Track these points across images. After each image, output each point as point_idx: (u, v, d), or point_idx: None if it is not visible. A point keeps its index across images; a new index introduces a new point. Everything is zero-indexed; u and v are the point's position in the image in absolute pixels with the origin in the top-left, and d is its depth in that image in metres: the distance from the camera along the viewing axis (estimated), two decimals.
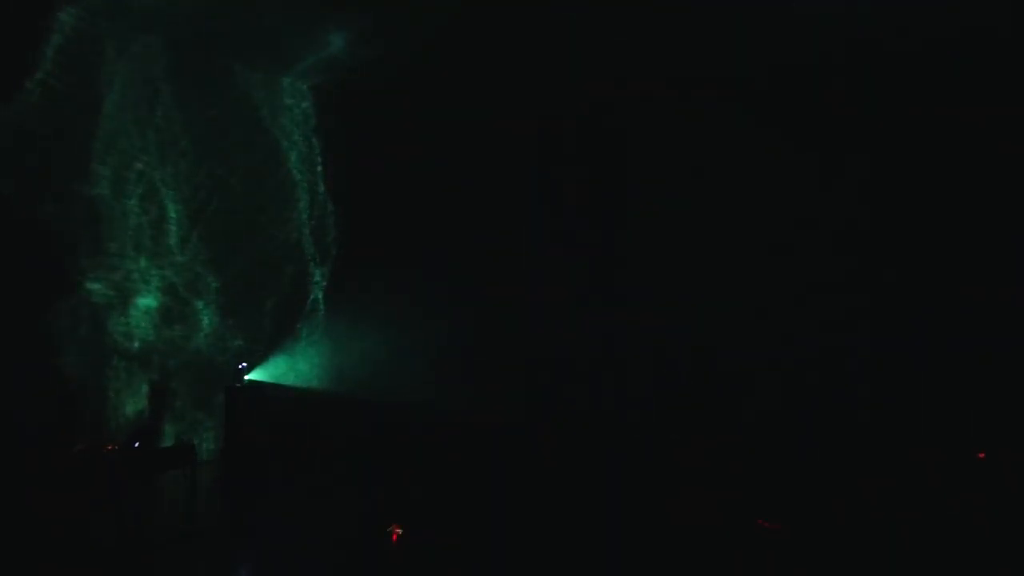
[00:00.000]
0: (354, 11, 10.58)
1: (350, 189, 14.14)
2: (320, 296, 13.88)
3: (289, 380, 12.93)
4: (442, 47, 11.73)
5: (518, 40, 11.50)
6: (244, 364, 12.05)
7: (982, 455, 8.44)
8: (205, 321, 12.25)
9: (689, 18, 10.43)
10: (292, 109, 13.50)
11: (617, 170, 14.40)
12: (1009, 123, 10.22)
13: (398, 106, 14.11)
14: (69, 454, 7.65)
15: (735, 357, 12.42)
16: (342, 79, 13.03)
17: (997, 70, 10.27)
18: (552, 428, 13.53)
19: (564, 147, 14.85)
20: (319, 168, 13.89)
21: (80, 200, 10.70)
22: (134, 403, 11.31)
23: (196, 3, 10.36)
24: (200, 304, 12.20)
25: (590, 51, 11.64)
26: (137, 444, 8.17)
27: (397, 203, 14.51)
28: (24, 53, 10.15)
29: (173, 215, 11.82)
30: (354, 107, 14.02)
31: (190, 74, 12.01)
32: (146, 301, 11.52)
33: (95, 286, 10.85)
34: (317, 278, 13.88)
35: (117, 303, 11.14)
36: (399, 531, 8.00)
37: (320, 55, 12.17)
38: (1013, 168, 10.21)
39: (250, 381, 12.09)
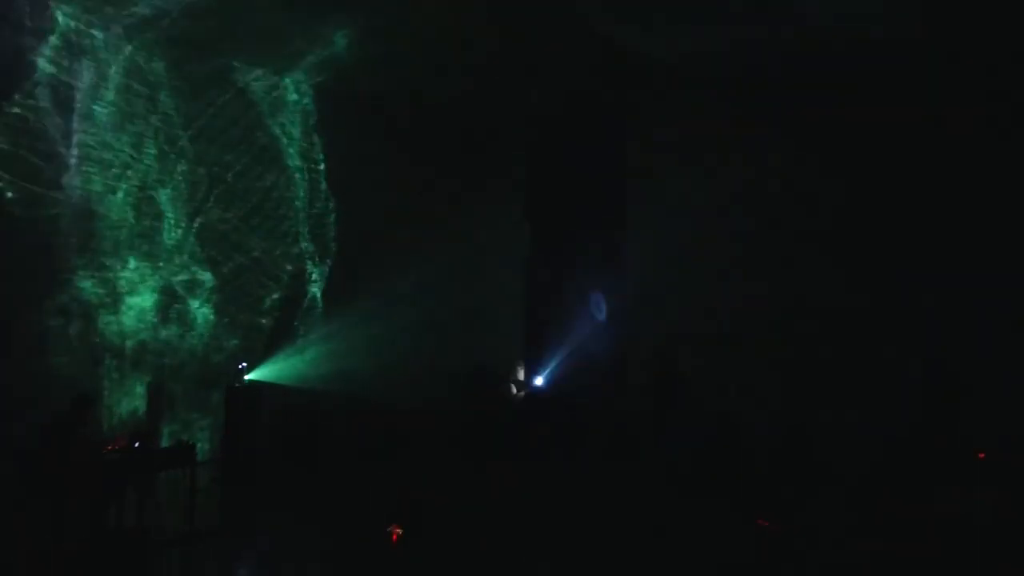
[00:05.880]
0: (357, 10, 10.60)
1: (352, 187, 14.10)
2: (318, 294, 13.82)
3: (287, 379, 12.87)
4: (444, 46, 11.74)
5: (518, 40, 11.54)
6: (244, 364, 11.97)
7: (982, 455, 8.53)
8: (200, 320, 12.17)
9: None
10: (293, 106, 13.43)
11: (620, 175, 14.47)
12: None
13: (400, 105, 14.13)
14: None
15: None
16: (345, 77, 13.01)
17: None
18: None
19: (564, 147, 14.89)
20: (321, 166, 13.84)
21: (71, 197, 10.59)
22: (128, 402, 11.22)
23: (199, 2, 10.33)
24: (195, 303, 12.12)
25: (591, 50, 11.68)
26: (137, 444, 8.13)
27: (398, 202, 14.50)
28: (22, 51, 10.06)
29: (169, 213, 11.74)
30: (356, 105, 14.00)
31: (188, 71, 11.92)
32: (139, 300, 11.42)
33: (86, 284, 10.74)
34: (315, 276, 13.81)
35: (109, 302, 11.04)
36: (399, 531, 7.99)
37: (323, 53, 12.14)
38: None
39: (250, 381, 12.02)
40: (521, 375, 10.59)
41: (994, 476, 8.46)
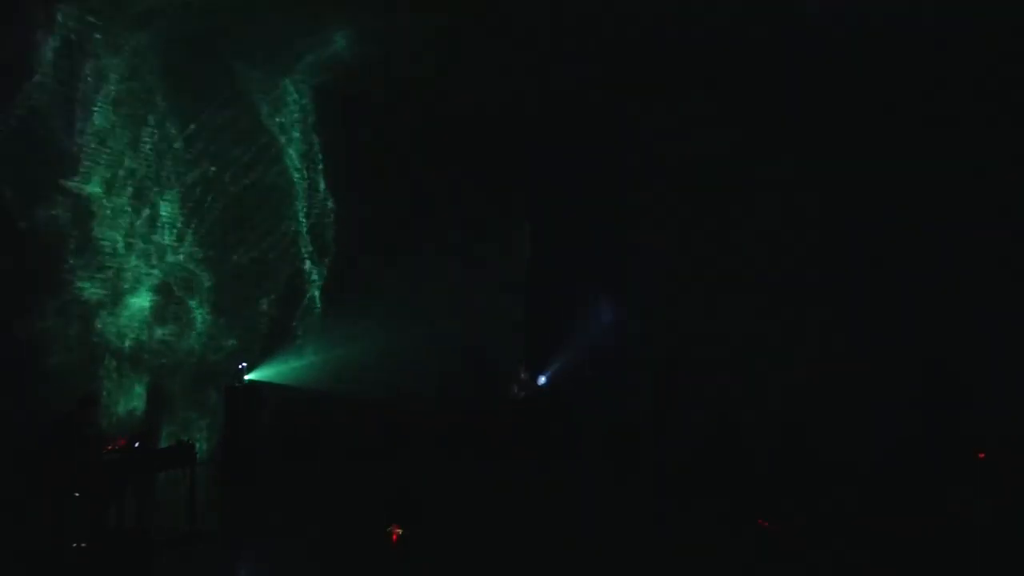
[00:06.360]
0: (357, 10, 10.60)
1: (351, 187, 14.11)
2: (317, 294, 13.81)
3: (286, 379, 12.86)
4: (443, 46, 11.75)
5: (517, 40, 11.55)
6: (244, 364, 11.97)
7: (982, 455, 8.55)
8: (198, 320, 12.15)
9: None
10: (292, 106, 13.43)
11: (621, 174, 14.47)
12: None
13: (400, 104, 14.12)
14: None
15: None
16: (345, 77, 13.01)
17: None
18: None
19: (564, 147, 14.92)
20: (319, 166, 13.84)
21: (70, 198, 10.56)
22: (126, 402, 11.21)
23: (199, 2, 10.33)
24: (193, 303, 12.10)
25: (589, 50, 11.68)
26: (137, 444, 8.12)
27: (398, 201, 14.51)
28: (24, 55, 10.06)
29: (166, 213, 11.72)
30: (356, 105, 14.00)
31: (188, 71, 11.92)
32: (138, 300, 11.40)
33: (85, 284, 10.72)
34: (315, 276, 13.80)
35: (108, 302, 11.02)
36: (399, 531, 7.99)
37: (322, 54, 12.14)
38: None
39: (249, 381, 12.02)
40: (522, 375, 10.67)
41: (994, 476, 8.49)
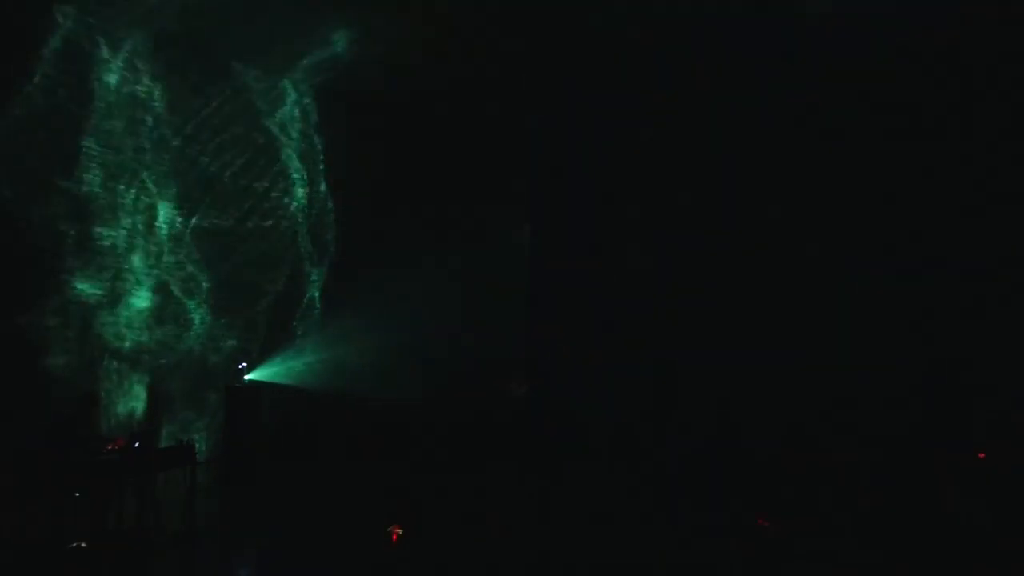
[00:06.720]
0: (357, 10, 10.60)
1: (352, 187, 14.12)
2: (317, 294, 13.82)
3: (286, 379, 12.87)
4: (443, 46, 11.75)
5: (519, 39, 11.55)
6: (244, 364, 11.99)
7: (982, 455, 8.55)
8: (197, 321, 12.15)
9: None
10: (292, 106, 13.46)
11: (621, 174, 14.45)
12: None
13: (400, 103, 14.11)
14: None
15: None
16: (345, 77, 13.01)
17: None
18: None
19: (565, 146, 14.90)
20: (320, 166, 13.85)
21: (69, 198, 10.55)
22: (126, 403, 11.21)
23: (199, 2, 10.33)
24: (192, 304, 12.10)
25: (593, 49, 11.68)
26: (137, 444, 8.10)
27: (399, 201, 14.49)
28: (23, 54, 10.05)
29: (165, 213, 11.71)
30: (356, 104, 13.99)
31: (187, 71, 11.93)
32: (137, 301, 11.40)
33: (84, 285, 10.71)
34: (314, 277, 13.82)
35: (108, 302, 11.01)
36: (399, 531, 7.99)
37: (323, 53, 12.16)
38: None
39: (249, 381, 12.03)
40: (522, 374, 10.70)
41: (994, 476, 8.49)
